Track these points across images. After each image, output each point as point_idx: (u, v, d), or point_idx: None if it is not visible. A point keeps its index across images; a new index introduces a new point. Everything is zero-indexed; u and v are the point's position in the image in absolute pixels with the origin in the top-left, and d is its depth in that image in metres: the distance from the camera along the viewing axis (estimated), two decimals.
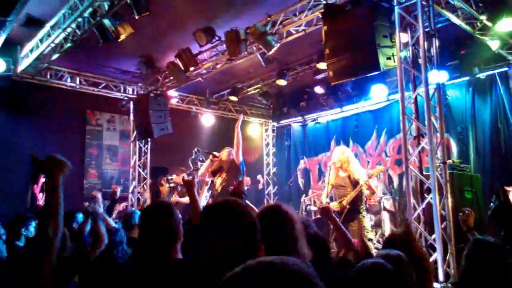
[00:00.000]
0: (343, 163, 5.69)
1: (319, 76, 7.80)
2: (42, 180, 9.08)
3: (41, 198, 8.77)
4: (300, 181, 10.48)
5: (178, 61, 7.01)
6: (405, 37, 4.98)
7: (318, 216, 7.27)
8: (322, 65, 7.05)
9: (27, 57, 7.01)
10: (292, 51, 7.23)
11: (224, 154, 5.82)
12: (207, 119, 10.20)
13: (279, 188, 10.94)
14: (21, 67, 7.17)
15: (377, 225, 7.25)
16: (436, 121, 4.65)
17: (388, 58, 4.77)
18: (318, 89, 8.75)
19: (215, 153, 5.84)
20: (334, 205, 5.68)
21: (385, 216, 7.24)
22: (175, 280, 1.80)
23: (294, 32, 6.04)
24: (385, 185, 8.35)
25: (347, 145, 9.13)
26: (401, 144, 4.96)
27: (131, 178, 9.08)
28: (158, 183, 9.04)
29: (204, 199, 4.57)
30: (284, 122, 11.02)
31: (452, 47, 6.96)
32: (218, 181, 5.73)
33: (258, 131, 11.40)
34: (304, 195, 9.53)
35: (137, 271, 2.01)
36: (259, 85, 9.15)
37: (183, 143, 9.73)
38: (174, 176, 8.85)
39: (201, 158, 10.78)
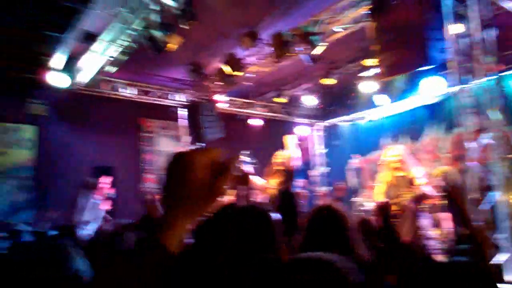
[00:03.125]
0: (399, 161, 5.50)
1: (368, 73, 7.61)
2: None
3: None
4: (352, 180, 10.25)
5: (225, 67, 7.15)
6: (458, 28, 4.73)
7: (371, 215, 7.08)
8: (371, 62, 6.88)
9: (85, 71, 7.46)
10: (339, 49, 7.11)
11: (279, 158, 5.80)
12: (255, 122, 10.30)
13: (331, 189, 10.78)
14: (81, 80, 7.64)
15: (437, 223, 6.93)
16: (497, 114, 4.38)
17: (442, 51, 4.57)
18: (368, 86, 8.52)
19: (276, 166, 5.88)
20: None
21: (447, 215, 6.92)
22: None
23: (339, 30, 5.95)
24: (445, 183, 7.95)
25: (401, 142, 8.82)
26: (460, 139, 4.73)
27: None
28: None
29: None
30: (333, 121, 10.86)
31: (510, 35, 6.50)
32: (273, 182, 5.72)
33: (306, 131, 11.31)
34: (356, 195, 9.31)
35: None
36: (306, 85, 9.10)
37: (231, 147, 9.87)
38: None
39: (250, 161, 10.85)
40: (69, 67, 7.55)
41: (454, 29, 4.54)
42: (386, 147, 7.11)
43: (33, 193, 8.34)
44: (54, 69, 7.40)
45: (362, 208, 8.05)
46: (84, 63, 7.46)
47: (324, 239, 1.94)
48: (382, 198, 5.71)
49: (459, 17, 4.65)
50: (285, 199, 3.10)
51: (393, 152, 5.65)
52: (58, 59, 7.01)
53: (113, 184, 9.14)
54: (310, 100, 9.79)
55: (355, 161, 10.16)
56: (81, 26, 5.87)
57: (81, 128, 8.83)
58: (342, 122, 10.62)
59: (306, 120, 11.15)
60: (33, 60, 7.15)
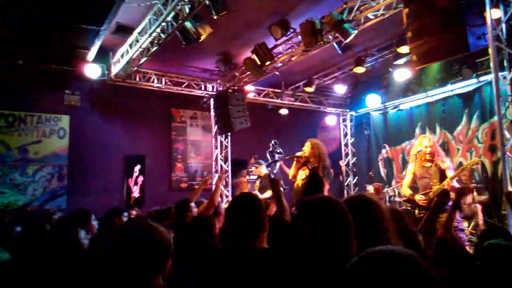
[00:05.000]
0: (428, 152, 5.38)
1: (400, 61, 7.44)
2: (135, 174, 9.96)
3: (135, 191, 9.62)
4: (382, 171, 10.12)
5: (254, 57, 7.14)
6: (497, 13, 4.56)
7: (404, 207, 6.99)
8: (403, 49, 6.73)
9: (118, 62, 7.65)
10: (371, 36, 6.98)
11: (306, 150, 5.78)
12: (284, 111, 10.29)
13: (359, 179, 10.69)
14: (113, 71, 7.85)
15: (470, 216, 6.78)
16: None
17: (479, 37, 4.41)
18: (399, 75, 8.33)
19: (297, 154, 5.83)
20: (420, 198, 5.41)
21: (478, 207, 6.76)
22: (259, 267, 1.87)
23: (372, 17, 5.81)
24: (478, 174, 7.74)
25: (434, 132, 8.61)
26: (496, 129, 4.58)
27: (214, 171, 9.50)
28: (238, 175, 9.35)
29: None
30: (362, 110, 10.68)
31: None
32: (301, 175, 5.70)
33: (335, 121, 11.21)
34: (387, 186, 9.20)
35: (223, 257, 2.14)
36: (335, 74, 8.99)
37: (260, 136, 9.94)
38: (253, 169, 9.10)
39: (278, 150, 10.90)
40: (103, 58, 7.77)
41: (492, 14, 4.37)
42: (418, 137, 6.96)
43: (67, 180, 8.64)
44: (89, 61, 7.63)
45: (393, 199, 7.96)
46: (116, 55, 7.64)
47: (357, 229, 1.94)
48: (409, 190, 5.62)
49: (500, 2, 4.47)
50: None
51: (423, 141, 5.52)
52: (93, 51, 7.21)
53: (144, 172, 9.44)
54: (339, 89, 9.68)
55: (386, 151, 10.02)
56: (116, 19, 6.01)
57: (113, 118, 9.09)
58: (373, 111, 10.44)
59: (334, 110, 11.03)
60: (70, 53, 7.39)
